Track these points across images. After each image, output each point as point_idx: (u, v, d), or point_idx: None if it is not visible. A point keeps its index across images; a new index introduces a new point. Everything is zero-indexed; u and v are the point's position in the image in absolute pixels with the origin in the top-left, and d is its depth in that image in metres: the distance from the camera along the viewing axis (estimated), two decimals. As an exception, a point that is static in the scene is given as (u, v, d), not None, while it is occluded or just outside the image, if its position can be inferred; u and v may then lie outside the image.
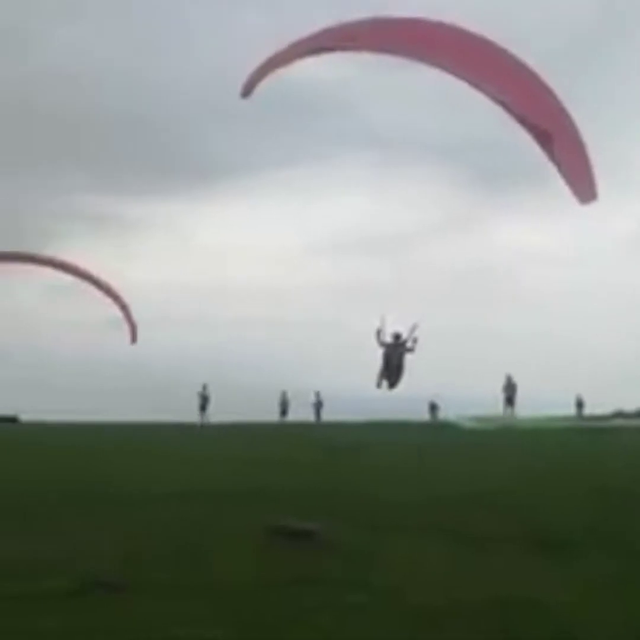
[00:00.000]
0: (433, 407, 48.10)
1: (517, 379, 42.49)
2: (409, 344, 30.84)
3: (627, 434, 28.70)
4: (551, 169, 8.33)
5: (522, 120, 8.48)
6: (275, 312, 53.70)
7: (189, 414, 43.44)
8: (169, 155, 66.95)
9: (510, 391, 42.56)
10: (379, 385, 35.90)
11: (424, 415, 47.02)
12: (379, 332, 28.67)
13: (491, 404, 44.13)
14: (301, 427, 39.59)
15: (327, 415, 47.11)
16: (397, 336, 32.00)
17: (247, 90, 14.20)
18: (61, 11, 71.51)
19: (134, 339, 25.41)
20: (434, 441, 26.54)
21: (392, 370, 34.10)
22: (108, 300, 22.95)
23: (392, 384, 34.46)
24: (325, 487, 12.03)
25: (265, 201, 72.87)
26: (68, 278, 21.85)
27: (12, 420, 46.17)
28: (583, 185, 8.80)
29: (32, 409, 46.08)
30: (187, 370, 44.52)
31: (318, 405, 46.07)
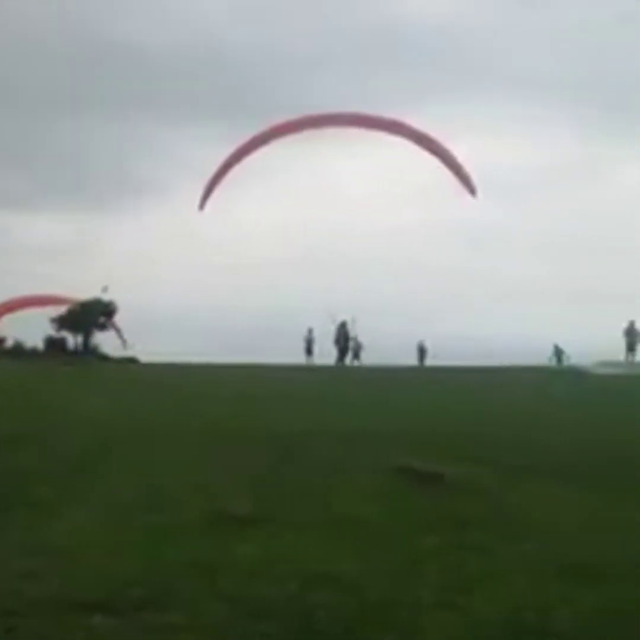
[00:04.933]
0: (558, 352, 47.33)
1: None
2: (352, 334, 41.48)
3: None
4: None
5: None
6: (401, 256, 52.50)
7: (295, 357, 43.68)
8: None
9: (632, 337, 42.14)
10: (340, 360, 43.94)
11: (543, 360, 46.10)
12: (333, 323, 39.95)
13: (613, 351, 43.31)
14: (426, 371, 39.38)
15: (433, 360, 46.06)
16: (343, 324, 40.48)
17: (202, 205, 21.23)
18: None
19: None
20: (564, 385, 25.79)
21: (342, 347, 41.86)
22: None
23: (343, 355, 42.36)
24: (454, 429, 11.78)
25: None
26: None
27: (132, 361, 48.28)
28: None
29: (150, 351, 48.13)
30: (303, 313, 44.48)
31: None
